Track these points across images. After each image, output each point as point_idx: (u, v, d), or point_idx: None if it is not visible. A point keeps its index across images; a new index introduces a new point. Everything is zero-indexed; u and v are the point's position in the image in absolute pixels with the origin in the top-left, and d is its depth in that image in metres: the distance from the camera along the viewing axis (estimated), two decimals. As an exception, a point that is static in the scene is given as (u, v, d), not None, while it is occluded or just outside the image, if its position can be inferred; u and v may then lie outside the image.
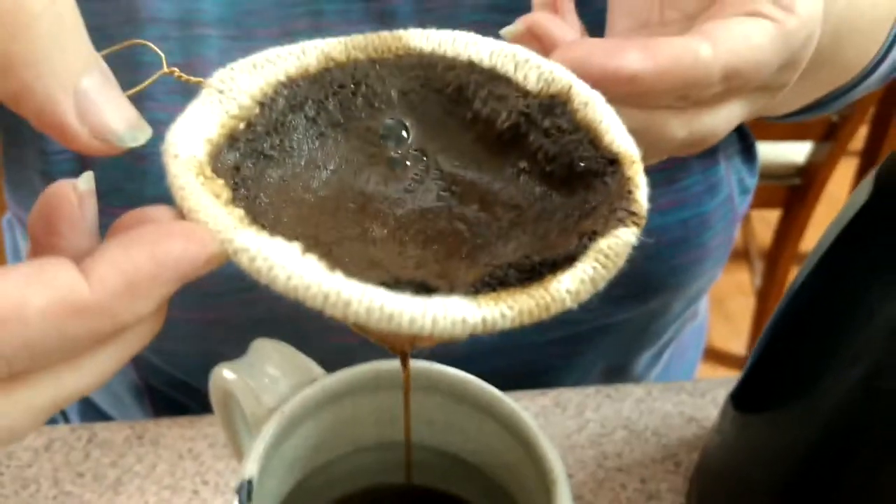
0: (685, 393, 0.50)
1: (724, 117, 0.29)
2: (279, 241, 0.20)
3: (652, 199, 0.48)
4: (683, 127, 0.28)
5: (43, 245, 0.21)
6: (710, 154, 0.48)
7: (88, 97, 0.20)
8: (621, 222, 0.22)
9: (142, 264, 0.19)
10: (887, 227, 0.33)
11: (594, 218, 0.22)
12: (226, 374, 0.34)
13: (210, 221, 0.20)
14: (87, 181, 0.21)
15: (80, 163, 0.45)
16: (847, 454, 0.36)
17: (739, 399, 0.42)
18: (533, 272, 0.21)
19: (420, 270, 0.21)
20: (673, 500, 0.45)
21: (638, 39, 0.27)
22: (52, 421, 0.61)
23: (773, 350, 0.40)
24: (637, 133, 0.26)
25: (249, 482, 0.30)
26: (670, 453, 0.47)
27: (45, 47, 0.19)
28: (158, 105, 0.43)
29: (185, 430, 0.47)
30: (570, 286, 0.21)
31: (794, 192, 1.41)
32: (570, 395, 0.50)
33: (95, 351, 0.20)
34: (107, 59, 0.21)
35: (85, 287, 0.19)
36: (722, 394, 0.50)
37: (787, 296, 0.39)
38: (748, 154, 0.53)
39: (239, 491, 0.30)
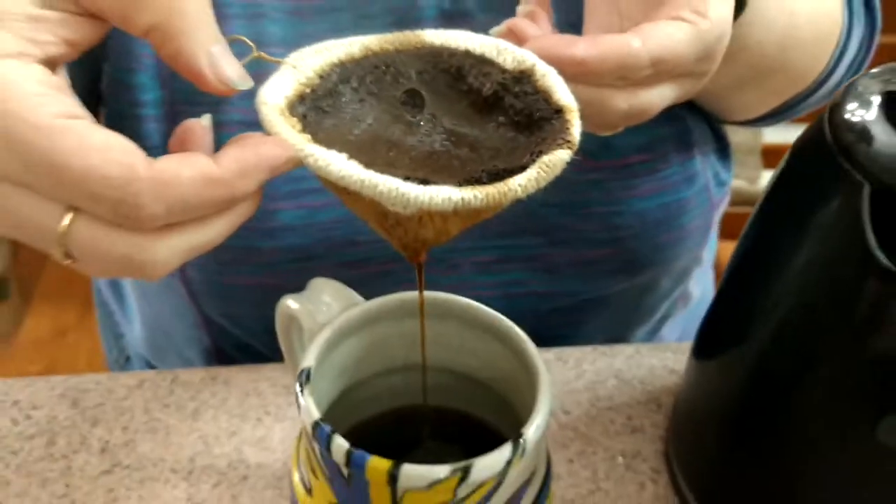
0: (669, 351, 0.59)
1: (658, 95, 0.38)
2: (333, 152, 0.30)
3: (636, 186, 0.58)
4: (625, 101, 0.37)
5: None
6: (686, 149, 0.58)
7: (216, 58, 0.31)
8: (560, 146, 0.32)
9: (250, 156, 0.30)
10: (804, 183, 0.42)
11: (543, 145, 0.32)
12: (289, 302, 0.44)
13: (289, 137, 0.31)
14: (207, 119, 0.32)
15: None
16: (781, 387, 0.44)
17: (697, 350, 0.51)
18: (499, 176, 0.31)
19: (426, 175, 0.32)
20: (654, 433, 0.54)
21: (587, 37, 0.37)
22: (145, 361, 0.72)
23: (719, 307, 0.49)
24: (589, 105, 0.36)
25: (308, 370, 0.40)
26: (653, 397, 0.56)
27: (193, 23, 0.30)
28: (234, 108, 0.54)
29: (251, 373, 0.57)
30: (520, 182, 0.31)
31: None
32: (571, 352, 0.59)
33: (217, 216, 0.31)
34: None
35: (216, 167, 0.29)
36: (700, 352, 0.59)
37: (730, 259, 0.48)
38: (723, 153, 0.62)
39: (299, 376, 0.40)
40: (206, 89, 0.31)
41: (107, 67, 0.53)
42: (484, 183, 0.30)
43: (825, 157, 0.38)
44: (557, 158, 0.31)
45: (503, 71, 0.35)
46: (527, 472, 0.40)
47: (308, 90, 0.33)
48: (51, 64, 0.30)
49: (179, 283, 0.59)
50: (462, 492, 0.37)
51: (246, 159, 0.29)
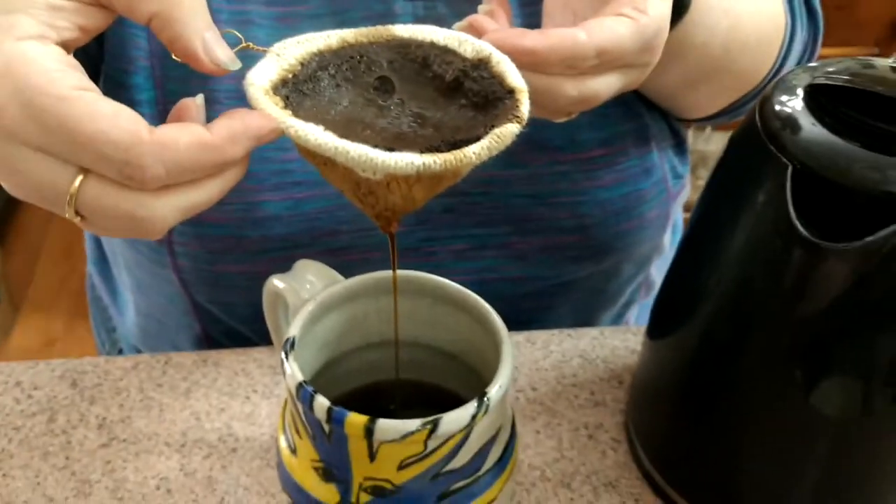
0: (631, 333, 0.64)
1: (604, 83, 0.43)
2: (311, 124, 0.35)
3: (599, 177, 0.62)
4: (574, 88, 0.42)
5: None
6: (644, 144, 0.62)
7: (209, 42, 0.35)
8: (510, 121, 0.36)
9: (238, 125, 0.34)
10: (739, 168, 0.46)
11: (496, 121, 0.37)
12: (276, 281, 0.48)
13: (273, 113, 0.35)
14: (200, 98, 0.36)
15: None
16: (723, 358, 0.47)
17: (651, 328, 0.55)
18: (456, 146, 0.35)
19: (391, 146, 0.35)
20: (615, 406, 0.58)
21: (537, 31, 0.41)
22: (136, 352, 0.75)
23: (669, 288, 0.54)
24: (541, 91, 0.40)
25: (293, 339, 0.44)
26: (615, 375, 0.60)
27: (189, 12, 0.34)
28: (224, 108, 0.57)
29: (239, 356, 0.61)
30: (474, 150, 0.35)
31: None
32: (539, 335, 0.63)
33: (210, 178, 0.34)
34: None
35: (208, 134, 0.33)
36: (660, 334, 0.63)
37: (680, 240, 0.53)
38: (680, 148, 0.67)
39: (285, 345, 0.43)
40: (200, 69, 0.35)
41: (104, 68, 0.57)
42: (443, 151, 0.34)
43: (757, 144, 0.43)
44: (508, 131, 0.35)
45: (464, 59, 0.39)
46: (492, 429, 0.44)
47: (290, 75, 0.37)
48: (65, 47, 0.34)
49: (172, 273, 0.62)
50: (432, 444, 0.41)
51: (235, 127, 0.34)
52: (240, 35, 0.38)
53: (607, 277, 0.66)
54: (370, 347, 0.51)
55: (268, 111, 0.35)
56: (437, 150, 0.35)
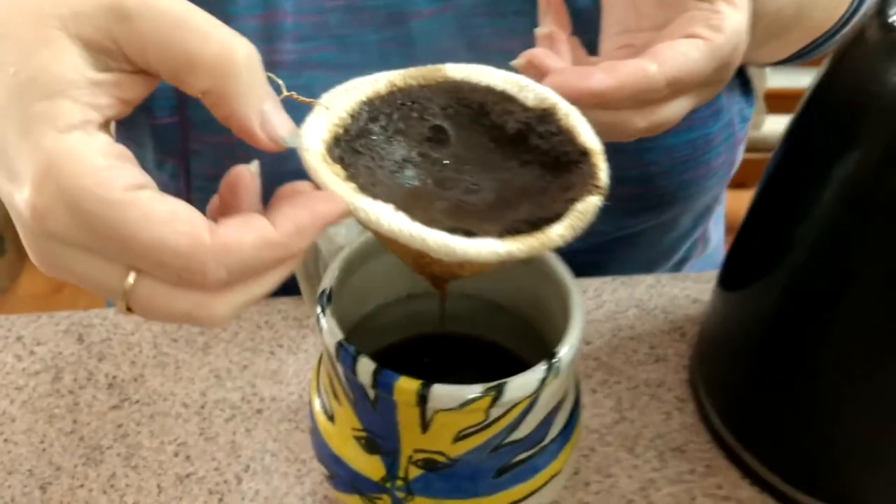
0: (690, 281, 0.58)
1: (675, 109, 0.39)
2: (380, 203, 0.30)
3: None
4: (643, 120, 0.38)
5: (228, 203, 0.31)
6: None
7: (267, 116, 0.31)
8: (590, 192, 0.32)
9: (305, 217, 0.30)
10: (836, 106, 0.40)
11: (574, 190, 0.32)
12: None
13: (337, 190, 0.31)
14: (255, 166, 0.31)
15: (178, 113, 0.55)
16: (813, 312, 0.42)
17: (724, 278, 0.50)
18: (537, 225, 0.31)
19: (467, 226, 0.31)
20: (677, 362, 0.53)
21: (604, 63, 0.37)
22: None
23: (747, 232, 0.48)
24: (608, 126, 0.37)
25: (329, 291, 0.38)
26: (676, 326, 0.55)
27: (245, 86, 0.30)
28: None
29: (262, 307, 0.56)
30: (559, 231, 0.31)
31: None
32: (590, 282, 0.58)
33: (272, 270, 0.31)
34: None
35: (273, 231, 0.29)
36: (723, 282, 0.58)
37: (756, 190, 0.47)
38: (745, 88, 0.61)
39: (320, 298, 0.38)
40: (258, 147, 0.31)
41: None
42: (524, 232, 0.31)
43: (867, 61, 0.37)
44: (590, 205, 0.32)
45: (525, 109, 0.36)
46: (559, 395, 0.38)
47: (341, 130, 0.34)
48: (108, 123, 0.31)
49: None
50: (495, 412, 0.35)
51: (302, 221, 0.30)
52: (281, 82, 0.33)
53: (665, 231, 0.61)
54: (413, 298, 0.45)
55: (332, 187, 0.31)
56: (519, 231, 0.31)
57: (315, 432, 0.41)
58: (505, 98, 0.36)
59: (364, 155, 0.34)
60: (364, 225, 0.31)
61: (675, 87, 0.37)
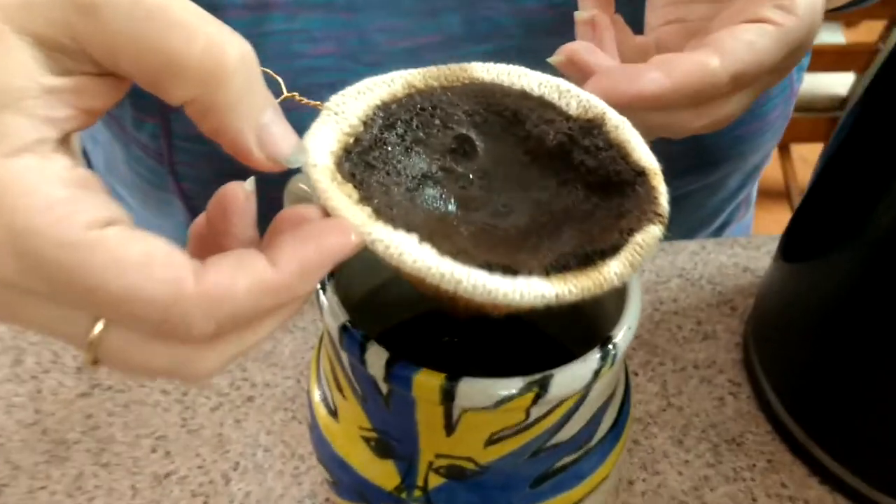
0: (739, 246, 0.51)
1: (736, 104, 0.35)
2: (401, 233, 0.25)
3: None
4: (700, 118, 0.34)
5: (217, 228, 0.26)
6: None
7: (266, 130, 0.25)
8: (651, 222, 0.27)
9: (312, 254, 0.25)
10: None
11: (629, 218, 0.27)
12: (301, 184, 0.35)
13: (351, 217, 0.25)
14: (250, 184, 0.26)
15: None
16: (889, 291, 0.36)
17: (786, 247, 0.43)
18: (588, 259, 0.26)
19: (502, 257, 0.26)
20: (729, 339, 0.46)
21: (657, 58, 0.32)
22: None
23: (814, 204, 0.41)
24: (661, 128, 0.34)
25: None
26: (726, 299, 0.48)
27: (238, 95, 0.24)
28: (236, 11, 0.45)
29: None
30: (616, 270, 0.26)
31: (836, 124, 1.39)
32: (626, 249, 0.51)
33: (270, 316, 0.26)
34: None
35: (273, 272, 0.24)
36: (776, 247, 0.51)
37: (825, 151, 0.40)
38: None
39: (320, 270, 0.31)
40: (254, 168, 0.26)
41: None
42: (572, 268, 0.26)
43: None
44: (651, 237, 0.27)
45: (567, 118, 0.31)
46: (611, 387, 0.32)
47: (352, 140, 0.28)
48: (67, 139, 0.25)
49: (176, 197, 0.52)
50: (537, 411, 0.29)
51: (307, 257, 0.25)
52: (279, 79, 0.28)
53: (712, 192, 0.55)
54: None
55: (344, 214, 0.26)
56: (565, 266, 0.26)
57: (314, 428, 0.34)
58: (542, 104, 0.31)
59: (378, 169, 0.29)
60: (383, 259, 0.26)
61: (740, 82, 0.33)
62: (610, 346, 0.29)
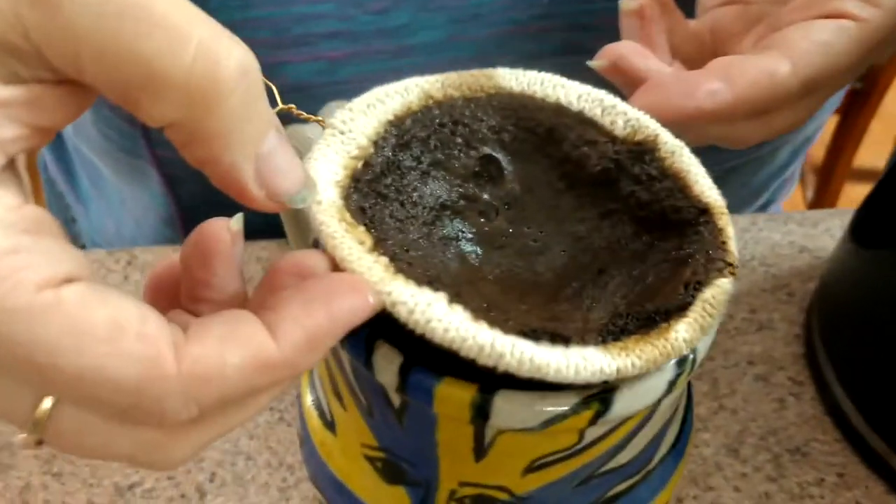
0: (793, 223, 0.45)
1: (803, 110, 0.31)
2: (426, 292, 0.21)
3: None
4: (763, 129, 0.30)
5: (196, 277, 0.21)
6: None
7: (267, 162, 0.20)
8: (720, 273, 0.23)
9: (320, 322, 0.20)
10: None
11: (693, 266, 0.23)
12: (304, 130, 0.29)
13: (365, 272, 0.21)
14: (237, 222, 0.21)
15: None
16: None
17: (856, 232, 0.37)
18: (649, 320, 0.22)
19: (542, 316, 0.23)
20: (787, 330, 0.40)
21: (717, 64, 0.29)
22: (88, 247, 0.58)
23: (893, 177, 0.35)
24: (717, 139, 0.30)
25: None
26: (781, 283, 0.42)
27: (234, 121, 0.19)
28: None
29: (235, 253, 0.42)
30: (685, 335, 0.22)
31: (854, 97, 1.33)
32: (665, 224, 0.45)
33: (264, 392, 0.21)
34: None
35: (273, 345, 0.20)
36: (836, 224, 0.45)
37: None
38: None
39: (315, 245, 0.25)
40: (252, 207, 0.21)
41: None
42: (631, 332, 0.22)
43: None
44: (722, 293, 0.23)
45: (613, 139, 0.26)
46: (677, 402, 0.25)
47: (360, 165, 0.25)
48: (12, 165, 0.20)
49: (150, 165, 0.45)
50: (592, 433, 0.22)
51: (316, 328, 0.20)
52: (274, 88, 0.23)
53: (759, 166, 0.51)
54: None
55: (356, 268, 0.21)
56: (623, 329, 0.22)
57: (306, 442, 0.28)
58: (582, 121, 0.27)
59: (391, 200, 0.25)
60: (406, 325, 0.21)
61: (811, 87, 0.30)
62: (690, 355, 0.22)
